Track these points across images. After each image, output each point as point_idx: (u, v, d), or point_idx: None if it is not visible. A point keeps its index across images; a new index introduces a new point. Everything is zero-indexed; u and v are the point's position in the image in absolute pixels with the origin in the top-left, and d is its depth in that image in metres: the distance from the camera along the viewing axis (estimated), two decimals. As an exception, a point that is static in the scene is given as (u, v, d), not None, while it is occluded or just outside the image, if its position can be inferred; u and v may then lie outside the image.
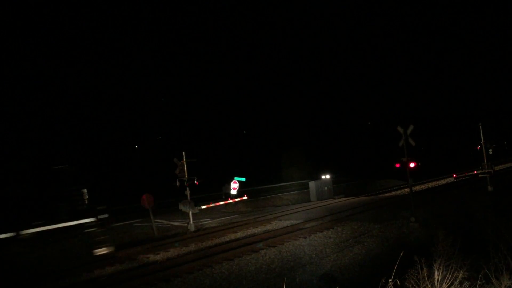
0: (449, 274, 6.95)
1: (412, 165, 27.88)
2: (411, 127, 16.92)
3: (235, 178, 25.73)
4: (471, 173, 37.16)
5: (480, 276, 6.93)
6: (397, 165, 30.74)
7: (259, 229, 18.75)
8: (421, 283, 6.67)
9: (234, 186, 25.56)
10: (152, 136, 59.88)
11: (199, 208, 21.72)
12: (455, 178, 35.99)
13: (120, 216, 28.30)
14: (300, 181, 38.98)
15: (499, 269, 7.07)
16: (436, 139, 41.61)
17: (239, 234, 17.90)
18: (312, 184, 30.91)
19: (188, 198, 20.81)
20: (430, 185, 35.66)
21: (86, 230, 14.08)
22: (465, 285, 6.81)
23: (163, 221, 24.17)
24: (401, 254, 7.02)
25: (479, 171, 34.26)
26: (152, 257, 14.73)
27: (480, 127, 27.89)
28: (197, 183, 21.06)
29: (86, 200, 16.07)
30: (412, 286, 6.66)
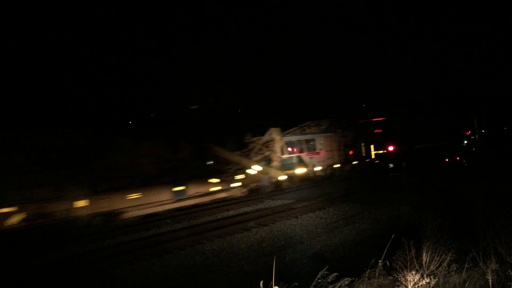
0: (437, 256, 7.04)
1: (405, 148, 28.10)
2: (406, 111, 16.99)
3: None
4: (464, 158, 37.44)
5: (467, 259, 7.01)
6: (391, 148, 30.97)
7: (251, 208, 18.85)
8: (408, 264, 6.75)
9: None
10: (146, 112, 59.53)
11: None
12: (446, 161, 36.27)
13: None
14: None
15: (487, 253, 7.16)
16: (432, 122, 41.64)
17: (231, 212, 18.00)
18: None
19: (182, 175, 20.68)
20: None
21: None
22: (453, 267, 6.90)
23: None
24: (392, 236, 7.09)
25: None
26: (144, 233, 14.81)
27: (475, 113, 28.66)
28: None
29: None
30: (400, 267, 6.74)
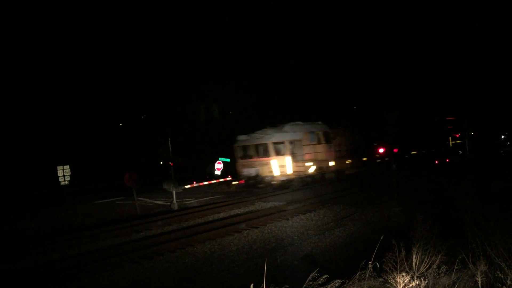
0: (427, 258, 7.07)
1: (395, 150, 28.40)
2: (396, 113, 17.13)
3: (220, 158, 25.72)
4: (452, 160, 37.77)
5: (457, 260, 7.06)
6: (381, 150, 31.25)
7: (242, 210, 18.84)
8: (398, 266, 6.78)
9: (218, 167, 25.52)
10: (136, 114, 59.38)
11: (182, 187, 21.75)
12: (436, 164, 36.53)
13: (103, 193, 28.25)
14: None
15: (476, 255, 7.21)
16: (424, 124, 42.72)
17: (222, 215, 17.97)
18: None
19: (172, 177, 20.78)
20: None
21: None
22: (443, 269, 6.94)
23: (146, 199, 24.15)
24: (381, 238, 7.12)
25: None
26: (134, 235, 14.73)
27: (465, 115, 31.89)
28: (181, 163, 21.02)
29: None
30: (390, 269, 6.76)
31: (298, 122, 26.95)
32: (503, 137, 51.78)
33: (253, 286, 5.27)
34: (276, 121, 27.98)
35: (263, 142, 24.82)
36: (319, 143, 26.96)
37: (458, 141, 41.46)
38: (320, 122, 28.12)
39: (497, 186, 16.35)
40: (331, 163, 27.54)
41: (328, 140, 27.72)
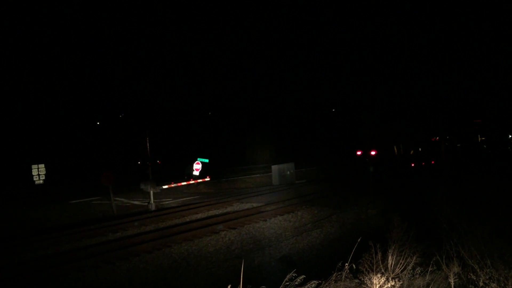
0: (402, 260, 7.16)
1: (373, 153, 28.69)
2: (374, 115, 17.31)
3: (198, 159, 25.58)
4: (429, 163, 38.39)
5: (431, 262, 7.17)
6: (359, 153, 31.61)
7: (220, 211, 18.78)
8: (374, 267, 6.85)
9: (197, 167, 25.37)
10: (114, 113, 58.67)
11: (160, 187, 21.56)
12: (412, 166, 37.07)
13: (79, 193, 27.82)
14: (263, 165, 39.19)
15: (449, 257, 7.33)
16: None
17: (199, 215, 17.88)
18: (275, 168, 31.04)
19: (150, 177, 20.60)
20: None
21: None
22: (417, 270, 7.04)
23: (123, 199, 23.88)
24: (359, 240, 7.18)
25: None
26: (110, 236, 14.55)
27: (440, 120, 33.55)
28: (159, 162, 20.85)
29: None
30: (366, 270, 6.83)
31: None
32: (510, 136, 59.75)
33: (230, 287, 5.26)
34: None
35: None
36: None
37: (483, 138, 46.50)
38: None
39: (471, 189, 16.65)
40: None
41: None
